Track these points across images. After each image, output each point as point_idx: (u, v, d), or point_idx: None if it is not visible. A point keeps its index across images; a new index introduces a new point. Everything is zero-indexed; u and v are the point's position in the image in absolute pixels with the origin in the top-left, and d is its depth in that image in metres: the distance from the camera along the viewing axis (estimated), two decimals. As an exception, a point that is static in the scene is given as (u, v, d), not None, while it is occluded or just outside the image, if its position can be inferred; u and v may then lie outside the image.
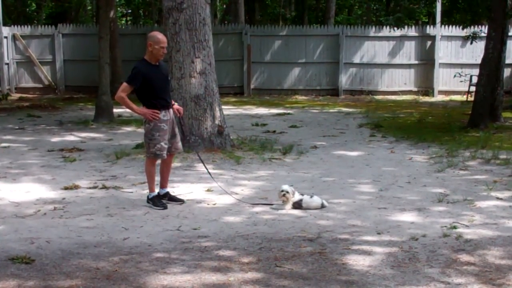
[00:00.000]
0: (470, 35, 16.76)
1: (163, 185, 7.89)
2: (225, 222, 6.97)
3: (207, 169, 8.31)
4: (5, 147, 11.94)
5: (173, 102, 7.82)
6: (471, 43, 16.54)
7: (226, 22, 31.38)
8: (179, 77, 10.81)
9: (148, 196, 7.70)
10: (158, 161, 7.82)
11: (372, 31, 22.54)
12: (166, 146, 7.56)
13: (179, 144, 7.89)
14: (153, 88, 7.44)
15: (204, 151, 10.52)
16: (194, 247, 6.10)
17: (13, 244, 6.16)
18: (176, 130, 7.81)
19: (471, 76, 19.92)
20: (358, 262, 5.69)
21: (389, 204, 7.74)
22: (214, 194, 8.16)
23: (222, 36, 22.44)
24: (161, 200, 7.65)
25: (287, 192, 7.44)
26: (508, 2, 14.18)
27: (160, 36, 7.49)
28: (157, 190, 7.77)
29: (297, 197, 7.48)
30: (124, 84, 7.50)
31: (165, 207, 7.52)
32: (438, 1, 19.88)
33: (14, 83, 22.93)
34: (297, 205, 7.45)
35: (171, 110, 7.65)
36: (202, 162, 8.45)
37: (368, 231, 6.62)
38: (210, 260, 5.73)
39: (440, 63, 22.00)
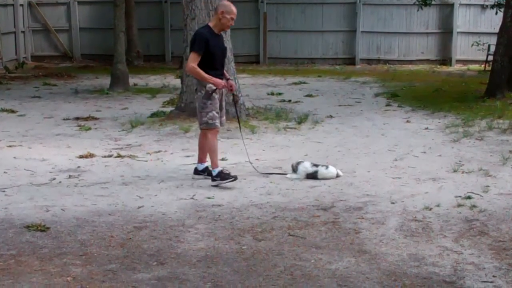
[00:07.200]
0: (495, 3, 16.49)
1: (202, 159, 7.59)
2: (239, 191, 6.99)
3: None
4: (21, 115, 12.00)
5: (227, 76, 7.58)
6: (496, 13, 16.24)
7: (242, -10, 31.08)
8: (194, 45, 10.73)
9: (212, 174, 7.27)
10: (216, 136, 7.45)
11: (389, -1, 22.27)
12: (218, 116, 7.26)
13: (224, 119, 7.59)
14: (212, 57, 7.14)
15: (219, 120, 10.49)
16: (208, 216, 6.13)
17: (29, 211, 6.22)
18: (224, 104, 7.54)
19: (489, 45, 19.66)
20: (371, 231, 5.70)
21: (403, 173, 7.72)
22: (228, 164, 8.15)
23: (238, 4, 21.70)
24: (228, 172, 7.24)
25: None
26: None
27: (233, 7, 7.20)
28: (206, 164, 7.50)
29: (310, 168, 7.49)
30: (192, 53, 7.13)
31: (235, 178, 7.16)
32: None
33: (30, 51, 22.95)
34: (312, 176, 7.44)
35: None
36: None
37: (382, 200, 6.62)
38: (224, 229, 5.76)
39: (458, 32, 21.74)
